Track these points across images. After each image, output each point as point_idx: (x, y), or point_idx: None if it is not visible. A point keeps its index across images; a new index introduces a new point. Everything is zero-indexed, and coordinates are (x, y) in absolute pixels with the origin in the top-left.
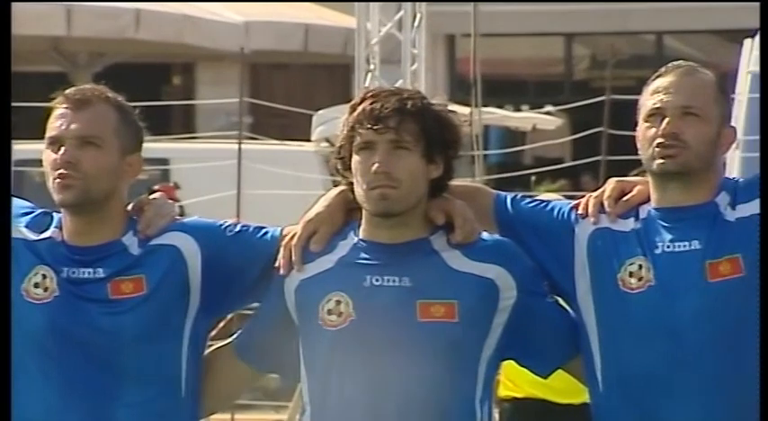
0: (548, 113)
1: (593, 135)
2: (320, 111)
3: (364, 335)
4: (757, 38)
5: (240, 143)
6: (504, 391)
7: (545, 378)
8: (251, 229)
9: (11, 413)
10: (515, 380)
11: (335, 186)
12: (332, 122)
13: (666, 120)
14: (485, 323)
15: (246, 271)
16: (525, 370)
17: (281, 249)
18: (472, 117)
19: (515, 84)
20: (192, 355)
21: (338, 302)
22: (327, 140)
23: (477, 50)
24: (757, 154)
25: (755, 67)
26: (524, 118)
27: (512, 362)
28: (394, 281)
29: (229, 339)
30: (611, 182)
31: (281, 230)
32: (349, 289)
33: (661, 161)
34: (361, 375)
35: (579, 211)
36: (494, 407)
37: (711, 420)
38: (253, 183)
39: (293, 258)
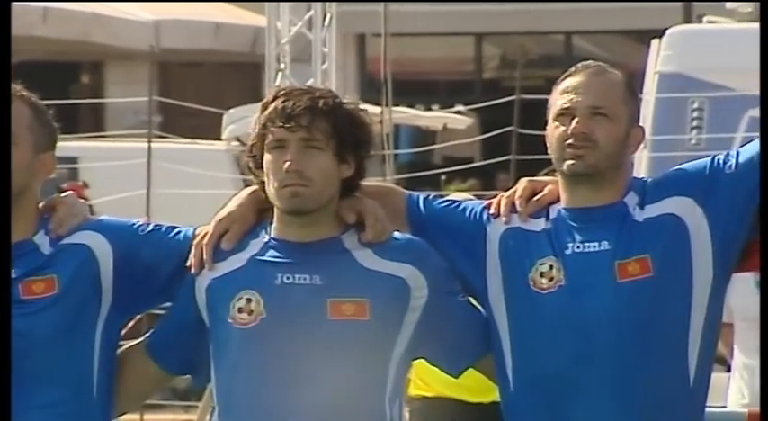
0: (458, 113)
1: (504, 134)
2: (231, 110)
3: (275, 334)
4: (664, 38)
5: (150, 142)
6: (414, 390)
7: (456, 377)
8: (163, 229)
9: (11, 413)
10: (426, 379)
11: (247, 185)
12: (243, 121)
13: (576, 120)
14: (396, 322)
15: (158, 270)
16: (436, 369)
17: (193, 248)
18: (383, 116)
19: (426, 83)
20: (105, 355)
21: (249, 300)
22: (238, 139)
23: (387, 50)
24: (665, 154)
25: (663, 68)
26: (435, 117)
27: (423, 360)
28: (305, 279)
29: (141, 339)
30: (523, 181)
31: (194, 230)
32: (260, 287)
33: (571, 162)
34: (272, 373)
35: (491, 211)
36: (404, 405)
37: (620, 420)
38: (163, 182)
39: (204, 257)
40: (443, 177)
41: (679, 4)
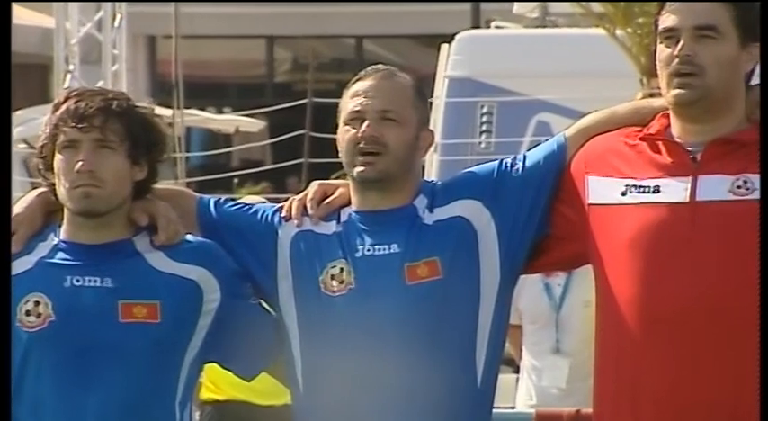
0: (250, 116)
1: (296, 138)
2: (18, 112)
3: (64, 337)
4: (453, 43)
5: None
6: (205, 394)
7: (249, 381)
8: None
9: (10, 412)
10: (217, 382)
11: (35, 188)
12: (31, 123)
13: (366, 123)
14: (188, 325)
15: None
16: (228, 372)
17: None
18: (174, 119)
19: (217, 86)
20: None
21: (37, 303)
22: (26, 141)
23: (178, 52)
24: (454, 157)
25: (452, 72)
26: (227, 120)
27: (214, 364)
28: (95, 281)
29: None
30: (314, 184)
31: None
32: (48, 289)
33: (361, 169)
34: (61, 377)
35: (283, 214)
36: (195, 409)
37: None
38: None
39: None
40: (236, 180)
41: (467, 8)
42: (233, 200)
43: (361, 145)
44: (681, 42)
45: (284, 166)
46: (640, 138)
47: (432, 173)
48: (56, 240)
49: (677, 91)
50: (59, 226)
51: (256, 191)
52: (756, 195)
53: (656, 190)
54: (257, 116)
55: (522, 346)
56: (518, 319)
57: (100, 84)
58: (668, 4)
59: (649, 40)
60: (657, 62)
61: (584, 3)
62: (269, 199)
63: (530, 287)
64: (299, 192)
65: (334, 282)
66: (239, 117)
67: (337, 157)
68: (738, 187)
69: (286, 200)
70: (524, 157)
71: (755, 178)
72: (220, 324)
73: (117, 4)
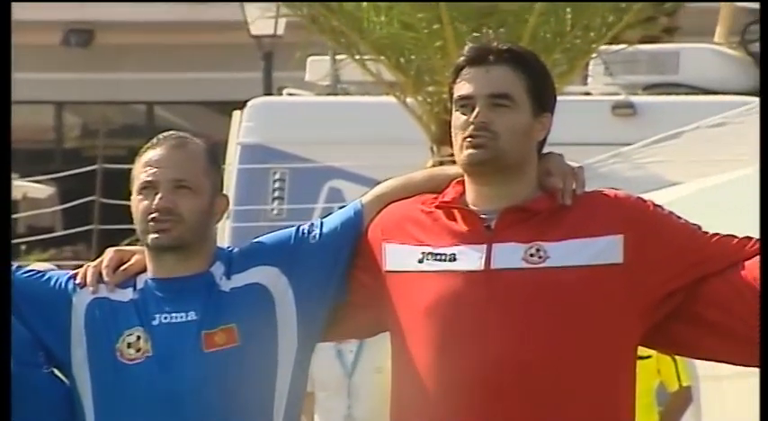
0: (38, 182)
1: (86, 204)
2: None
3: None
4: (245, 110)
5: None
6: None
7: None
8: None
9: (11, 413)
10: None
11: None
12: None
13: (159, 195)
14: None
15: None
16: None
17: None
18: None
19: None
20: None
21: None
22: None
23: None
24: (247, 224)
25: (244, 139)
26: (14, 186)
27: None
28: None
29: None
30: (110, 251)
31: None
32: None
33: (155, 236)
34: None
35: (77, 281)
36: None
37: None
38: None
39: None
40: (23, 247)
41: (259, 76)
42: (22, 266)
43: (155, 216)
44: (476, 110)
45: (73, 233)
46: (436, 206)
47: (224, 239)
48: None
49: (470, 151)
50: None
51: (44, 257)
52: (549, 263)
53: (453, 258)
54: (46, 182)
55: (314, 413)
56: (311, 386)
57: None
58: (463, 72)
59: (439, 109)
60: (453, 128)
61: (375, 71)
62: (57, 266)
63: (322, 354)
64: (88, 259)
65: (131, 350)
66: (27, 183)
67: (128, 224)
68: (531, 255)
69: (76, 267)
70: (321, 224)
71: (548, 246)
72: (12, 393)
73: None
